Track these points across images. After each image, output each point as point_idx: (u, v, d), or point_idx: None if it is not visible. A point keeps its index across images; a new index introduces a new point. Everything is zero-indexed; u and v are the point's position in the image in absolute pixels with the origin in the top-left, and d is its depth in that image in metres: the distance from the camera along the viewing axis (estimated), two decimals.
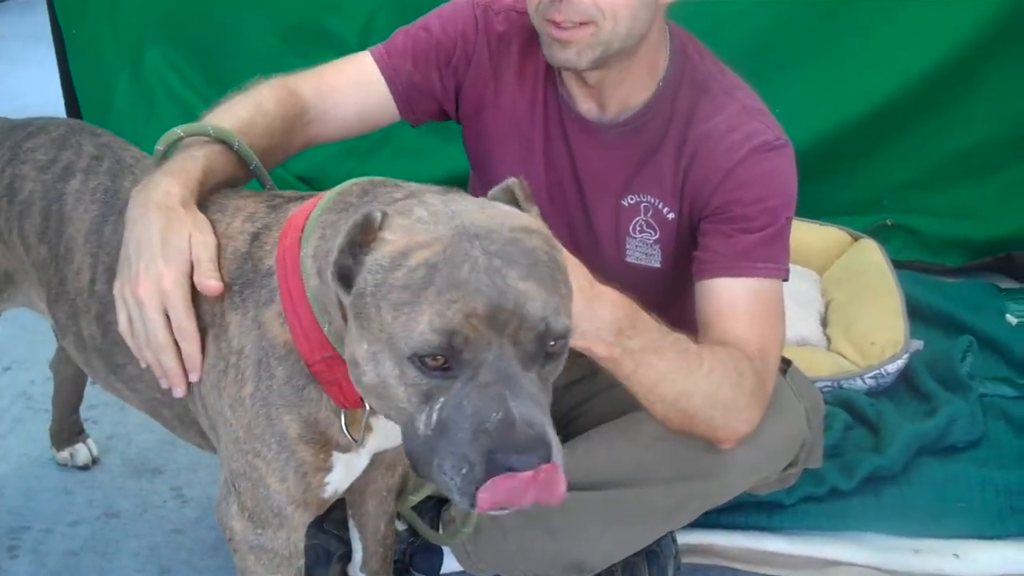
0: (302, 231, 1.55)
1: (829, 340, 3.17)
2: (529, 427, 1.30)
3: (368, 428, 1.66)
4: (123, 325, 1.69)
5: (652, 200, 2.18)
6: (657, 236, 2.20)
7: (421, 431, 1.36)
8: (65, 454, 2.75)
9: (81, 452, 2.75)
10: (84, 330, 1.90)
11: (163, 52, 4.23)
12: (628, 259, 2.23)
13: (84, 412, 2.78)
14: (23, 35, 7.68)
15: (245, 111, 1.96)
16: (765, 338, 2.01)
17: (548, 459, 1.30)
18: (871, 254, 3.47)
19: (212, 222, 1.70)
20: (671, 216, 2.17)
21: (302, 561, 1.82)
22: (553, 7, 1.96)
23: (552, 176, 2.21)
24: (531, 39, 2.21)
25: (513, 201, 1.53)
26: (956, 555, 2.41)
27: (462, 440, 1.31)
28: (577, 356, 2.44)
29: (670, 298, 2.18)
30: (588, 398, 2.44)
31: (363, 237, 1.37)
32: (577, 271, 1.71)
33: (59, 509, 2.60)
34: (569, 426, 2.43)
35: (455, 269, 1.32)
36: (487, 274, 1.32)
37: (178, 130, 1.82)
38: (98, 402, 2.95)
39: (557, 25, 1.98)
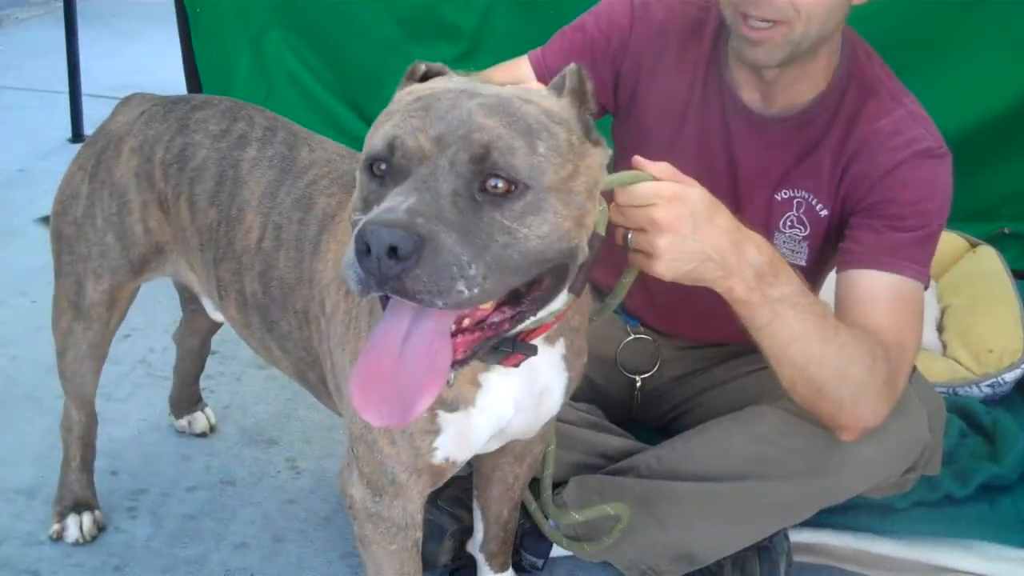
0: None
1: (945, 346, 3.12)
2: (404, 214, 1.25)
3: (475, 384, 1.64)
4: None
5: (806, 196, 2.17)
6: (807, 232, 2.19)
7: None
8: (184, 422, 2.81)
9: (199, 420, 2.81)
10: (247, 287, 1.97)
11: (283, 34, 4.30)
12: None
13: (201, 382, 2.84)
14: (137, 15, 7.87)
15: None
16: (903, 334, 1.99)
17: (407, 248, 1.22)
18: (989, 261, 3.42)
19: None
20: (824, 213, 2.16)
21: (419, 533, 1.84)
22: (750, 2, 1.96)
23: (703, 163, 2.20)
24: (695, 27, 2.23)
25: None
26: None
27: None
28: (692, 347, 2.46)
29: None
30: (703, 390, 2.45)
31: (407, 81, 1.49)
32: (722, 212, 1.74)
33: (177, 474, 2.66)
34: (683, 417, 2.45)
35: (435, 101, 1.39)
36: (457, 109, 1.37)
37: None
38: (215, 372, 3.03)
39: (748, 24, 1.98)
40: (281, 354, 2.00)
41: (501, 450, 1.95)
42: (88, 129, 5.31)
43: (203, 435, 2.81)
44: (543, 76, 2.24)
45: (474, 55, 4.04)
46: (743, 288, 1.78)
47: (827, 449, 2.05)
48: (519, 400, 1.69)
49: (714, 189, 2.14)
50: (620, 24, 2.26)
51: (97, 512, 2.44)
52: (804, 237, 2.20)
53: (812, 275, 2.23)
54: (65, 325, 2.26)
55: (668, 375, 2.50)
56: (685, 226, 1.67)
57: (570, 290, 1.54)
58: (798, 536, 2.37)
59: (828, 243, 2.19)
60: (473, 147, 1.33)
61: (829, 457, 2.07)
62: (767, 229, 2.21)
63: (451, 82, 1.47)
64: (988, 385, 2.92)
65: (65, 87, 5.32)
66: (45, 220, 2.56)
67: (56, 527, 2.38)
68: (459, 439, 1.71)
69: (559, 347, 1.72)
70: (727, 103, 2.20)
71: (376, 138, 1.39)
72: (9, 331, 3.32)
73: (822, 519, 2.31)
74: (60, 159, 4.98)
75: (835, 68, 2.13)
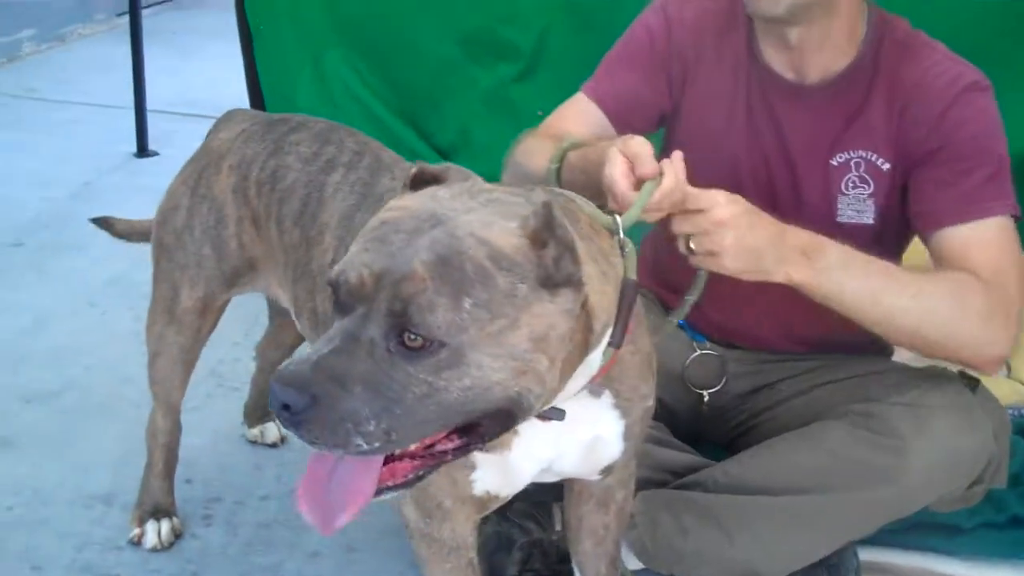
0: None
1: (1009, 368, 3.12)
2: (309, 369, 1.30)
3: (513, 431, 1.58)
4: None
5: (864, 154, 2.23)
6: (871, 190, 2.24)
7: None
8: (256, 431, 2.88)
9: (271, 431, 2.88)
10: (319, 306, 2.01)
11: (343, 54, 4.32)
12: (839, 219, 2.26)
13: None
14: (200, 31, 7.94)
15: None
16: (1001, 265, 2.04)
17: (298, 406, 1.28)
18: None
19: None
20: (886, 167, 2.22)
21: (472, 554, 1.85)
22: None
23: (755, 149, 2.29)
24: (728, 17, 2.32)
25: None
26: None
27: None
28: (757, 362, 2.48)
29: (883, 257, 2.18)
30: (768, 407, 2.46)
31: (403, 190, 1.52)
32: (761, 212, 1.86)
33: (250, 483, 2.72)
34: (748, 434, 2.46)
35: (392, 233, 1.38)
36: (406, 248, 1.35)
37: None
38: None
39: None
40: None
41: (580, 497, 1.99)
42: (152, 144, 5.41)
43: (274, 446, 2.87)
44: (607, 106, 2.34)
45: (533, 74, 4.08)
46: (796, 270, 1.90)
47: (890, 459, 2.09)
48: (562, 447, 1.72)
49: (770, 168, 2.26)
50: (657, 30, 2.36)
51: (175, 519, 2.49)
52: (869, 195, 2.24)
53: (879, 233, 2.26)
54: (158, 330, 2.34)
55: (733, 391, 2.52)
56: (743, 221, 1.81)
57: (610, 343, 1.55)
58: (865, 555, 2.37)
59: (894, 196, 2.23)
60: (395, 299, 1.32)
61: (892, 467, 2.09)
62: (829, 195, 2.27)
63: (433, 200, 1.44)
64: None
65: (129, 103, 5.42)
66: (97, 221, 2.65)
67: (136, 531, 2.45)
68: (498, 477, 1.73)
69: (606, 398, 1.71)
70: (766, 81, 2.27)
71: (335, 266, 1.40)
72: (81, 342, 3.41)
73: (888, 538, 2.33)
74: (125, 173, 5.10)
75: (862, 35, 2.21)
